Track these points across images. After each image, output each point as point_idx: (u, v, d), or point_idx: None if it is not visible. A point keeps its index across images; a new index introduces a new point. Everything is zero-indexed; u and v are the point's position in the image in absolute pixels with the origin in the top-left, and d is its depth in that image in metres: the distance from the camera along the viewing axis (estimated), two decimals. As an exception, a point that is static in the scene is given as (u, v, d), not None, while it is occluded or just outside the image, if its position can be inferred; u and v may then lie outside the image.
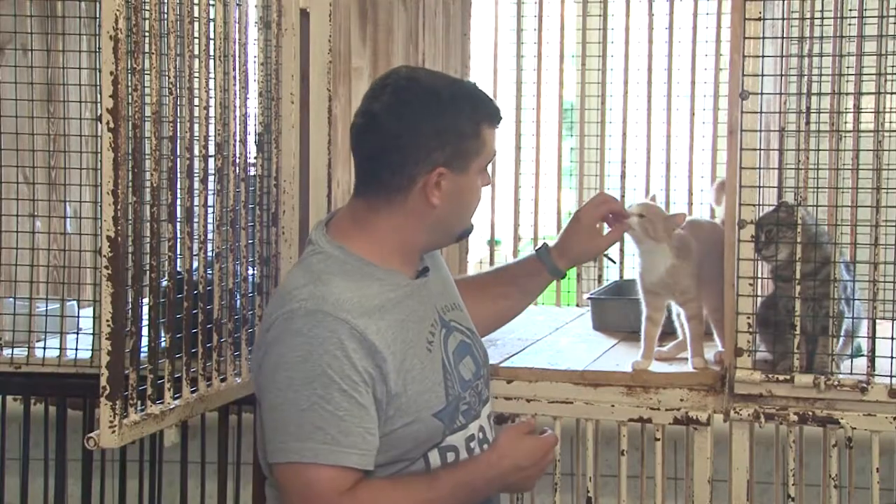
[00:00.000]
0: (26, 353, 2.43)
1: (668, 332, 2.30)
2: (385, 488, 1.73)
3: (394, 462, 1.75)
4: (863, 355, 2.12)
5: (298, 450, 1.67)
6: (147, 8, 1.90)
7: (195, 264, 2.07)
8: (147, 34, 1.90)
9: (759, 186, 2.10)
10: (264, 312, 1.82)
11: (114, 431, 1.83)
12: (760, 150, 2.10)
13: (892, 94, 2.12)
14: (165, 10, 2.05)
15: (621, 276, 3.02)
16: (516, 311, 2.17)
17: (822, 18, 2.10)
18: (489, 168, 1.89)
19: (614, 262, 3.02)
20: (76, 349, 2.42)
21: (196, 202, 2.05)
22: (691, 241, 2.19)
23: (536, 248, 2.15)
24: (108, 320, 1.82)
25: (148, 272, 1.94)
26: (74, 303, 2.64)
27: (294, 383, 1.68)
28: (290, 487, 1.70)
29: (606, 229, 2.15)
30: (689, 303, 2.19)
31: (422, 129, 1.74)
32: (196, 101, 2.05)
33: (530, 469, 1.82)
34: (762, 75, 2.08)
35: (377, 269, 1.78)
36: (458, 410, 1.82)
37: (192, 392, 2.06)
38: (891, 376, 2.07)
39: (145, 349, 1.96)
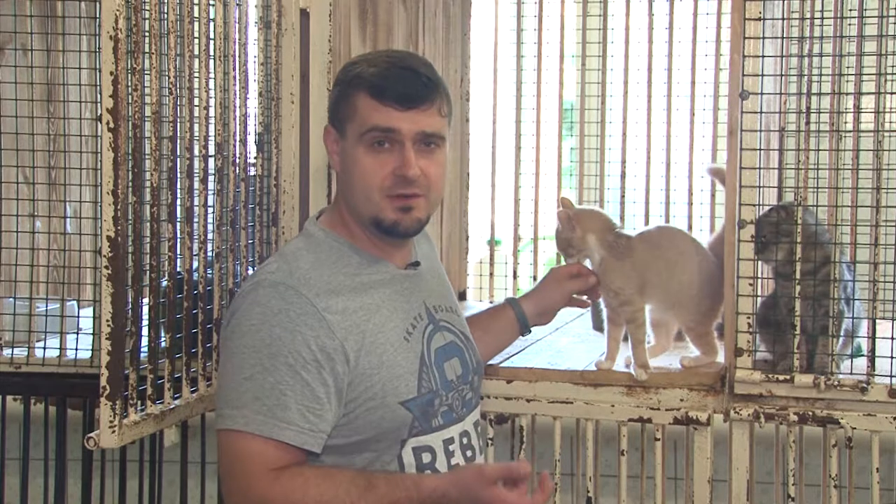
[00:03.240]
0: (26, 353, 2.43)
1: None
2: (316, 478, 1.65)
3: (359, 450, 1.73)
4: (863, 355, 2.12)
5: (233, 417, 1.67)
6: (147, 8, 1.90)
7: (195, 264, 2.06)
8: (147, 34, 1.90)
9: (759, 186, 2.10)
10: None
11: (114, 431, 1.83)
12: (760, 150, 2.09)
13: (892, 94, 2.12)
14: (165, 10, 2.05)
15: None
16: (486, 357, 2.15)
17: (822, 18, 2.10)
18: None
19: None
20: (76, 349, 2.42)
21: (196, 202, 2.06)
22: (633, 246, 2.16)
23: (512, 305, 2.17)
24: (108, 320, 1.82)
25: (148, 272, 1.94)
26: (74, 303, 2.64)
27: (242, 351, 1.69)
28: (221, 455, 1.69)
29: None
30: (624, 306, 2.17)
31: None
32: (196, 101, 2.05)
33: None
34: (762, 75, 2.08)
35: (359, 253, 1.82)
36: (434, 408, 1.80)
37: (192, 392, 2.06)
38: (891, 376, 2.07)
39: (145, 349, 1.96)
